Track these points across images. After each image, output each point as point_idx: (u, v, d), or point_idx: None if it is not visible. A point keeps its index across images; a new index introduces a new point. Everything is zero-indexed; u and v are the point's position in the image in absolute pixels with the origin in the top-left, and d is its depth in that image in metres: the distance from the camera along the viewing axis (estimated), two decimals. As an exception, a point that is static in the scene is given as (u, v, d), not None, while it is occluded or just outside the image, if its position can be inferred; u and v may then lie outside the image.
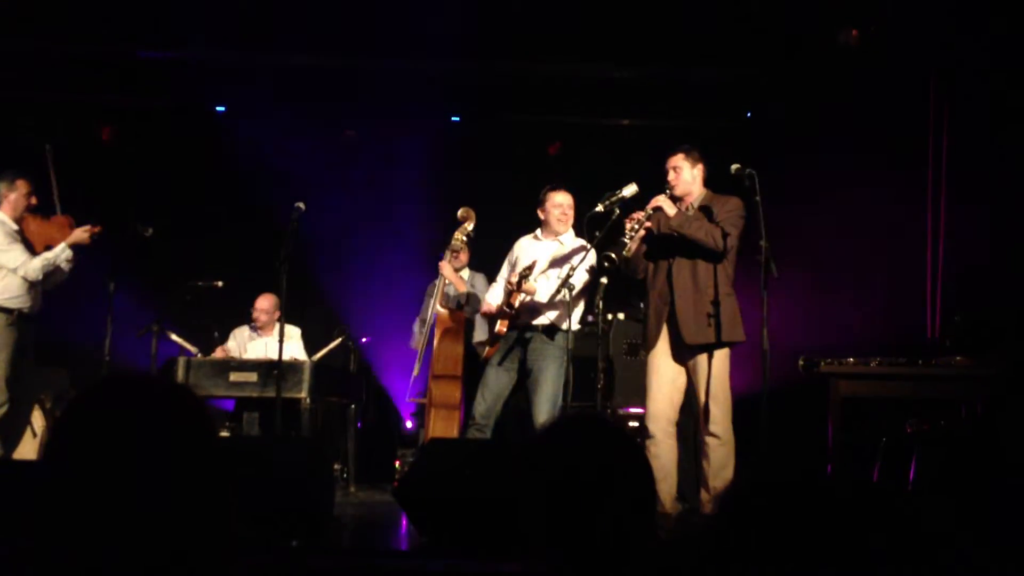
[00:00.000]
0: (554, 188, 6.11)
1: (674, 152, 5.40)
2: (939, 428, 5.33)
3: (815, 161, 7.47)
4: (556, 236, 6.08)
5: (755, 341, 5.08)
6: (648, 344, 5.34)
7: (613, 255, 5.09)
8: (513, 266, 6.16)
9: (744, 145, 8.24)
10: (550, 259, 5.99)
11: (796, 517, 0.93)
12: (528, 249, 6.16)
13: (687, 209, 5.32)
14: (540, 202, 6.11)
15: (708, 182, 5.48)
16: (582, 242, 5.88)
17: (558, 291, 5.62)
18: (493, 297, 6.22)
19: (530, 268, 5.78)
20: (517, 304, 5.84)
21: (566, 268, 5.68)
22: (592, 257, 5.73)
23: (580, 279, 5.66)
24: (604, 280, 5.46)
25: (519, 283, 5.75)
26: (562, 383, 5.84)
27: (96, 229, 6.29)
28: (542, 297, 5.82)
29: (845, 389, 5.16)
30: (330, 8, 7.12)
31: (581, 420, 1.87)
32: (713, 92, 8.25)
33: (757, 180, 5.05)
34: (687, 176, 5.35)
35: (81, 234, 6.24)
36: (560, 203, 6.04)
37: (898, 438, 5.59)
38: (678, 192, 5.33)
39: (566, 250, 5.95)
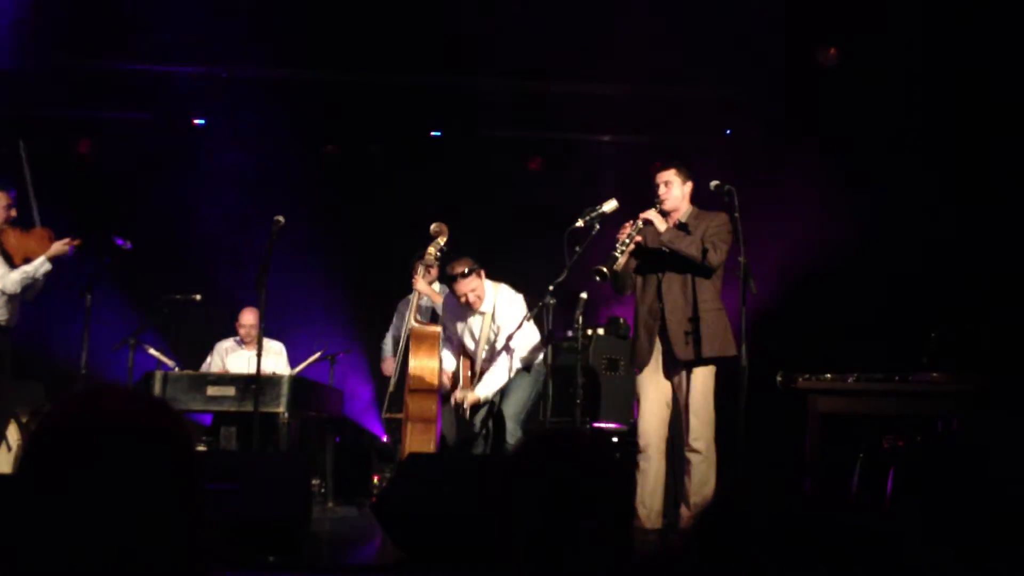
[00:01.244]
0: (451, 278, 6.11)
1: (666, 167, 5.38)
2: (916, 444, 5.35)
3: (793, 177, 7.52)
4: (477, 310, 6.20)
5: (734, 356, 5.09)
6: (639, 362, 5.33)
7: (605, 269, 5.07)
8: (444, 328, 6.41)
9: (724, 161, 8.30)
10: (486, 349, 6.23)
11: (772, 533, 0.93)
12: (456, 319, 6.35)
13: (675, 224, 5.33)
14: None
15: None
16: (510, 312, 6.08)
17: (510, 369, 6.02)
18: (448, 364, 6.46)
19: (462, 407, 6.12)
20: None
21: (502, 342, 6.04)
22: (528, 332, 6.00)
23: (524, 347, 6.02)
24: (584, 295, 5.47)
25: (461, 405, 6.14)
26: (533, 392, 5.95)
27: (76, 242, 6.27)
28: (490, 393, 6.11)
29: (823, 405, 5.18)
30: (310, 22, 7.11)
31: (559, 435, 1.87)
32: (693, 109, 8.29)
33: (736, 196, 5.07)
34: (677, 192, 5.34)
35: (61, 247, 6.21)
36: (462, 293, 6.10)
37: (875, 453, 5.61)
38: (667, 207, 5.32)
39: (496, 324, 6.15)
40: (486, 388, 6.09)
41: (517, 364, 6.05)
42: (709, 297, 5.21)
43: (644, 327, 5.32)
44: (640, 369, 5.34)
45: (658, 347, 5.27)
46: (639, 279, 5.39)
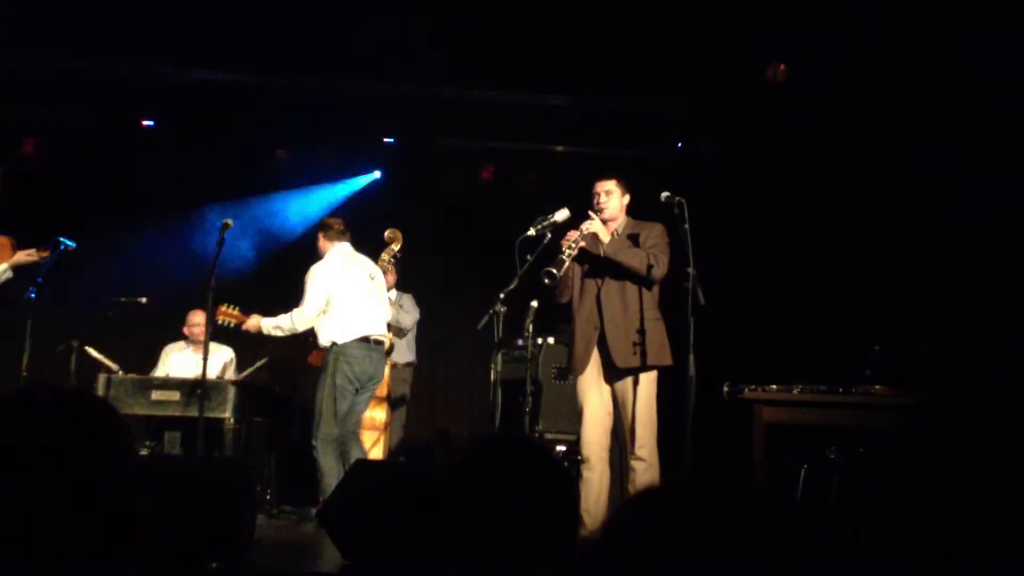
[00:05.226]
0: None
1: (607, 177, 5.43)
2: (858, 455, 5.43)
3: (744, 190, 7.61)
4: None
5: (681, 366, 5.12)
6: (576, 369, 5.33)
7: (554, 271, 5.08)
8: None
9: (674, 174, 8.38)
10: None
11: (687, 531, 0.94)
12: None
13: (614, 234, 5.36)
14: None
15: (639, 209, 5.53)
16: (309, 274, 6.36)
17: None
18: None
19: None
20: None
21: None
22: (304, 303, 6.24)
23: (297, 310, 6.24)
24: (535, 304, 5.48)
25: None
26: (322, 397, 6.17)
27: (45, 254, 6.16)
28: (261, 326, 6.38)
29: (768, 415, 5.23)
30: (264, 27, 7.06)
31: (507, 443, 1.87)
32: (645, 122, 8.36)
33: (686, 208, 5.11)
34: (615, 202, 5.39)
35: (25, 257, 6.13)
36: None
37: (819, 463, 5.69)
38: (606, 216, 5.36)
39: None
40: (265, 322, 6.35)
41: (286, 322, 6.26)
42: (650, 307, 5.25)
43: (582, 335, 5.33)
44: (577, 375, 5.34)
45: (597, 356, 5.29)
46: (578, 286, 5.40)
